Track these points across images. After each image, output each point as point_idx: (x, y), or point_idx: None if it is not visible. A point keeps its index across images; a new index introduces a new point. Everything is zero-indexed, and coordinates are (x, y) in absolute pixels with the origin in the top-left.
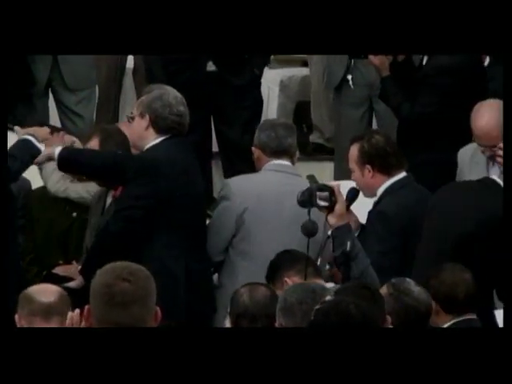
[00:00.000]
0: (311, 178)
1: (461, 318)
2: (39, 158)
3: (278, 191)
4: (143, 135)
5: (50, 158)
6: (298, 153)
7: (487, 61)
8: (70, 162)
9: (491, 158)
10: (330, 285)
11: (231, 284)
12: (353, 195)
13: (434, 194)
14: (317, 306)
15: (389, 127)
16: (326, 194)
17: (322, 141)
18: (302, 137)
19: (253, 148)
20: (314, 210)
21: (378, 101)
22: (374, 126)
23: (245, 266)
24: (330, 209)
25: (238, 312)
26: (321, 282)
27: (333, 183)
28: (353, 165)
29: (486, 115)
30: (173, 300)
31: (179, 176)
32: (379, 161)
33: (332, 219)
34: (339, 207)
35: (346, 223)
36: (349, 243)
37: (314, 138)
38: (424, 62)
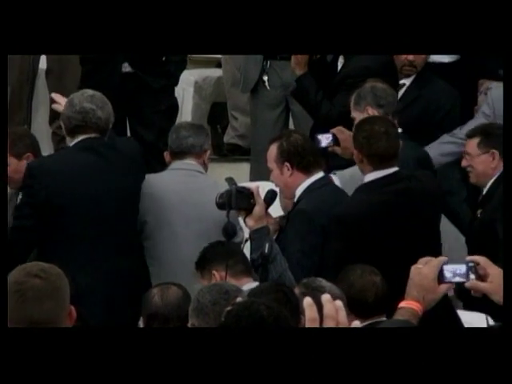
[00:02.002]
0: (230, 180)
1: (369, 322)
2: None
3: (183, 190)
4: (67, 142)
5: None
6: (208, 152)
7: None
8: None
9: None
10: (255, 283)
11: None
12: (271, 197)
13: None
14: (227, 308)
15: (305, 128)
16: (245, 195)
17: (236, 140)
18: (217, 138)
19: (165, 153)
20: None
21: (294, 101)
22: (291, 126)
23: (154, 269)
24: (248, 211)
25: (150, 313)
26: (250, 280)
27: (252, 185)
28: (272, 164)
29: None
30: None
31: (70, 182)
32: (298, 159)
33: (250, 221)
34: (258, 209)
35: (265, 225)
36: (267, 245)
37: (228, 138)
38: (340, 62)
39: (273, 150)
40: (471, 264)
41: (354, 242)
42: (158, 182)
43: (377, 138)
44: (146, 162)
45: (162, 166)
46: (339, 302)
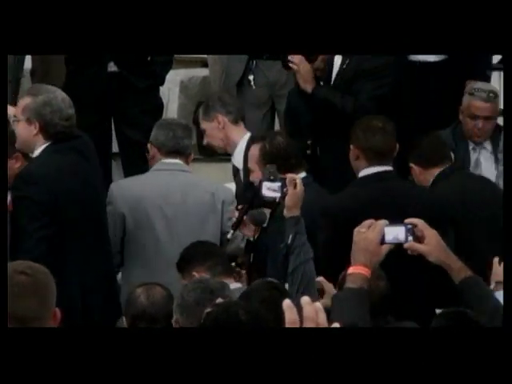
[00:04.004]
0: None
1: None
2: None
3: (164, 191)
4: (31, 141)
5: None
6: (192, 154)
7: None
8: None
9: None
10: (236, 285)
11: (126, 286)
12: (253, 197)
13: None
14: (207, 310)
15: None
16: (276, 184)
17: None
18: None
19: (148, 145)
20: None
21: (281, 101)
22: (277, 126)
23: (134, 271)
24: (281, 200)
25: (136, 313)
26: (231, 281)
27: (289, 174)
28: (253, 165)
29: None
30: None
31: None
32: (280, 162)
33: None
34: (288, 199)
35: (294, 215)
36: (291, 236)
37: None
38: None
39: (255, 151)
40: (409, 226)
41: (340, 234)
42: (139, 185)
43: (373, 132)
44: (132, 161)
45: (147, 165)
46: (319, 304)
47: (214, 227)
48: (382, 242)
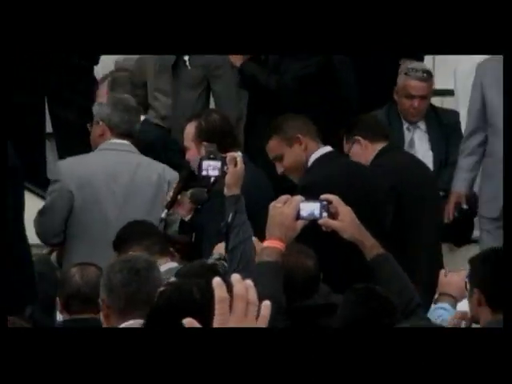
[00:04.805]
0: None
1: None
2: None
3: (112, 170)
4: None
5: None
6: None
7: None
8: None
9: None
10: (173, 264)
11: (67, 264)
12: (187, 176)
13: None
14: (160, 289)
15: (226, 108)
16: (217, 163)
17: (157, 120)
18: None
19: (97, 123)
20: None
21: (216, 81)
22: (212, 106)
23: (78, 249)
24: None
25: (71, 292)
26: (167, 260)
27: (231, 153)
28: (189, 143)
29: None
30: None
31: None
32: (216, 139)
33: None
34: (228, 177)
35: (235, 194)
36: (231, 215)
37: (149, 118)
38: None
39: (191, 128)
40: (324, 203)
41: None
42: (88, 163)
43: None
44: (66, 141)
45: (84, 145)
46: (249, 281)
47: (161, 207)
48: (298, 217)
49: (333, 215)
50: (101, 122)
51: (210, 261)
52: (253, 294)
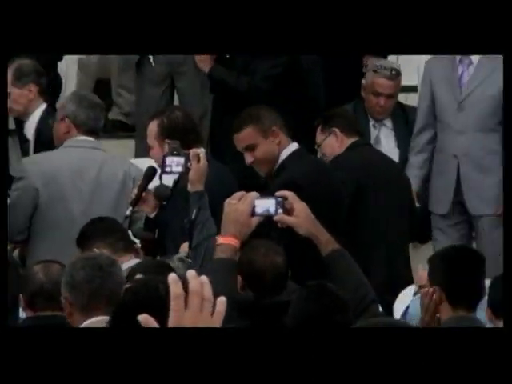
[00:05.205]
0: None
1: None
2: None
3: (77, 167)
4: None
5: None
6: None
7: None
8: None
9: None
10: (136, 261)
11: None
12: (151, 173)
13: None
14: (127, 285)
15: (190, 104)
16: (180, 159)
17: (121, 117)
18: None
19: (63, 119)
20: None
21: (180, 78)
22: (176, 103)
23: (43, 246)
24: (184, 175)
25: (34, 290)
26: (131, 257)
27: (195, 150)
28: (152, 141)
29: None
30: None
31: None
32: (179, 136)
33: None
34: (192, 174)
35: (198, 190)
36: (194, 211)
37: (112, 114)
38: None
39: (153, 126)
40: (280, 199)
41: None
42: (53, 160)
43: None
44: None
45: (47, 143)
46: (204, 277)
47: (126, 204)
48: (253, 214)
49: (288, 211)
50: (66, 119)
51: (176, 258)
52: (208, 290)
